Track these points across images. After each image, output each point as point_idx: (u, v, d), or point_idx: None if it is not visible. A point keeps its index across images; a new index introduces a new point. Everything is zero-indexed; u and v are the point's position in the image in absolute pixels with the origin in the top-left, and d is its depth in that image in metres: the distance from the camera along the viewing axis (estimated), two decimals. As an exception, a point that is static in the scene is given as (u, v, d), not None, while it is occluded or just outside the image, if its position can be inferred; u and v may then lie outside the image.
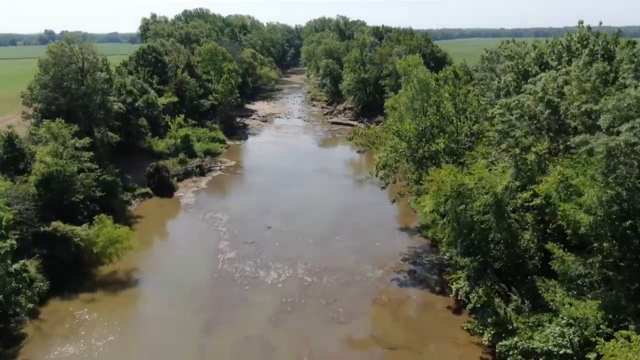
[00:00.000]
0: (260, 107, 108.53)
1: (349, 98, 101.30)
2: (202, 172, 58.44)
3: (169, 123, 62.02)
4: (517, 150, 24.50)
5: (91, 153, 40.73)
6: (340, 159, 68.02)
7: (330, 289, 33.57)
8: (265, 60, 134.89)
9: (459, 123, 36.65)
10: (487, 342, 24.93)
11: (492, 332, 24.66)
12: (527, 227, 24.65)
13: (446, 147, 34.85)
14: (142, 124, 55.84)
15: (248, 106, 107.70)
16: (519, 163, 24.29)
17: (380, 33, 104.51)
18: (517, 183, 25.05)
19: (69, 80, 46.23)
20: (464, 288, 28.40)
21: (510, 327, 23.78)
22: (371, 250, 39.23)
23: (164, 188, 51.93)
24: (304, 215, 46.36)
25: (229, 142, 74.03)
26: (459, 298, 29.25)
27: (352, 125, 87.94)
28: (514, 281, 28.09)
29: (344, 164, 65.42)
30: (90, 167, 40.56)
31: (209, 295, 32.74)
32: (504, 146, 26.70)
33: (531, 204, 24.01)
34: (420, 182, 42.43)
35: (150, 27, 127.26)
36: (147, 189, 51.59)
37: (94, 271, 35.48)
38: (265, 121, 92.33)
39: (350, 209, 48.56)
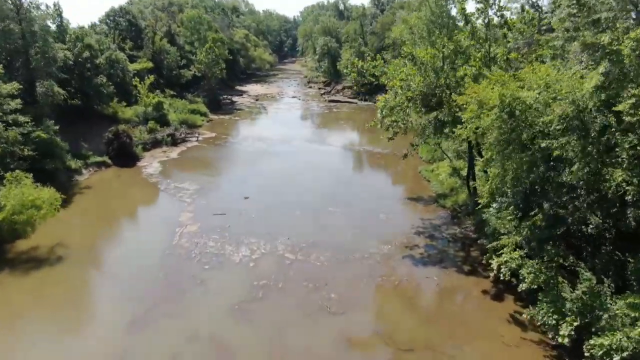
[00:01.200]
0: (252, 88, 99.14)
1: (348, 77, 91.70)
2: (174, 141, 49.18)
3: (138, 87, 52.68)
4: (606, 38, 15.11)
5: (18, 101, 31.62)
6: (338, 130, 58.74)
7: (320, 269, 24.31)
8: (259, 43, 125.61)
9: (492, 45, 27.24)
10: (564, 340, 15.59)
11: (574, 324, 15.34)
12: (622, 159, 15.32)
13: (479, 72, 25.45)
14: (102, 82, 46.53)
15: (239, 88, 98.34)
16: (610, 56, 14.94)
17: (382, 4, 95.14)
18: (604, 94, 15.70)
19: (1, 19, 37.07)
20: (513, 262, 19.06)
21: (605, 316, 14.52)
22: (375, 224, 29.98)
23: (124, 156, 42.68)
24: (292, 185, 37.12)
25: (213, 117, 64.81)
26: (502, 278, 19.90)
27: (352, 103, 78.95)
28: (582, 250, 18.86)
29: (341, 134, 56.16)
30: (15, 120, 31.44)
31: (152, 279, 23.47)
32: (575, 46, 17.29)
33: (633, 118, 14.70)
34: (438, 136, 33.44)
35: None
36: (104, 158, 42.34)
37: (7, 246, 26.23)
38: (257, 100, 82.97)
39: (349, 179, 39.31)
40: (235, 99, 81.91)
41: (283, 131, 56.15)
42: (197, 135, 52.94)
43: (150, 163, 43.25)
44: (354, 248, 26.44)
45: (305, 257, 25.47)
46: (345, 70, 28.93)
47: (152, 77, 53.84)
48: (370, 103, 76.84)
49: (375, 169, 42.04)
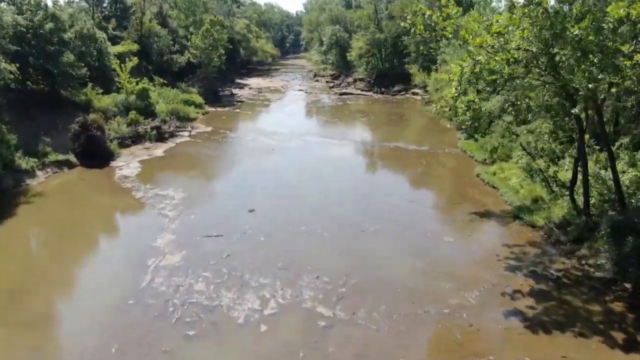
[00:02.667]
0: (254, 82, 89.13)
1: (360, 68, 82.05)
2: (161, 136, 39.33)
3: (118, 70, 42.82)
4: None
5: None
6: (357, 123, 49.02)
7: (379, 339, 14.54)
8: (261, 34, 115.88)
9: None
10: None
11: None
12: None
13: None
14: (70, 61, 36.67)
15: (240, 81, 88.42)
16: None
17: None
18: None
19: None
20: None
21: None
22: (439, 252, 20.23)
23: (94, 154, 32.81)
24: (310, 193, 27.37)
25: (210, 109, 54.99)
26: None
27: (367, 95, 69.15)
28: None
29: (362, 129, 46.45)
30: None
31: (96, 356, 13.67)
32: None
33: None
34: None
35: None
36: (69, 156, 32.53)
37: None
38: (260, 92, 73.09)
39: (384, 185, 29.62)
40: (235, 91, 72.05)
41: (292, 125, 46.41)
42: (189, 129, 43.07)
43: (128, 162, 33.38)
44: (421, 295, 16.70)
45: (349, 314, 15.69)
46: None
47: (134, 60, 43.91)
48: (387, 96, 67.32)
49: (416, 171, 32.29)
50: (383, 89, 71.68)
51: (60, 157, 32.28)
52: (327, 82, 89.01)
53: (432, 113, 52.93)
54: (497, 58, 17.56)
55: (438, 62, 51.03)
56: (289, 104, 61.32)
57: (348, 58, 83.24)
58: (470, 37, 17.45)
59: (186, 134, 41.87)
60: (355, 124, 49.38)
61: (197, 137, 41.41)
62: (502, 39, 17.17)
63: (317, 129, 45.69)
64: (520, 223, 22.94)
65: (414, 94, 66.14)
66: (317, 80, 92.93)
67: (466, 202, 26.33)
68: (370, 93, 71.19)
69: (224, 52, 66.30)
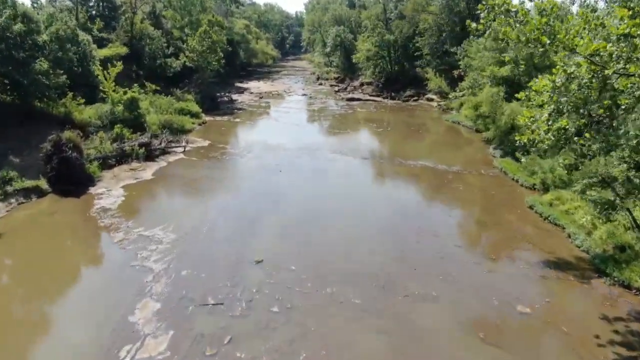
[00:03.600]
0: (254, 85, 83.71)
1: (367, 71, 76.56)
2: (150, 154, 33.83)
3: (101, 77, 37.35)
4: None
5: None
6: (373, 135, 43.52)
7: None
8: (261, 35, 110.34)
9: None
10: None
11: None
12: None
13: None
14: (43, 69, 31.18)
15: (240, 85, 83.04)
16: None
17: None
18: None
19: None
20: None
21: None
22: (512, 329, 14.81)
23: (70, 179, 27.34)
24: (327, 232, 21.97)
25: (207, 118, 49.55)
26: None
27: (377, 101, 63.72)
28: None
29: (380, 142, 40.99)
30: None
31: None
32: None
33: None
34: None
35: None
36: (39, 181, 27.04)
37: None
38: (261, 97, 67.66)
39: (416, 218, 24.12)
40: (235, 96, 66.57)
41: (299, 137, 41.00)
42: (184, 143, 37.56)
43: (110, 189, 27.88)
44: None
45: None
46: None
47: (119, 65, 38.29)
48: (398, 102, 61.96)
49: (454, 199, 26.88)
50: (393, 94, 66.32)
51: (28, 183, 26.78)
52: (331, 85, 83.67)
53: (449, 121, 48.11)
54: (613, 68, 12.12)
55: (461, 65, 45.65)
56: (293, 111, 55.82)
57: (354, 60, 77.85)
58: (581, 42, 11.96)
59: (180, 149, 36.37)
60: (371, 135, 43.90)
61: (192, 153, 35.93)
62: (628, 44, 11.71)
63: (328, 142, 40.23)
64: (608, 281, 17.54)
65: (428, 100, 60.79)
66: (320, 84, 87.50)
67: (526, 244, 20.93)
68: (379, 98, 65.78)
69: (222, 55, 60.99)
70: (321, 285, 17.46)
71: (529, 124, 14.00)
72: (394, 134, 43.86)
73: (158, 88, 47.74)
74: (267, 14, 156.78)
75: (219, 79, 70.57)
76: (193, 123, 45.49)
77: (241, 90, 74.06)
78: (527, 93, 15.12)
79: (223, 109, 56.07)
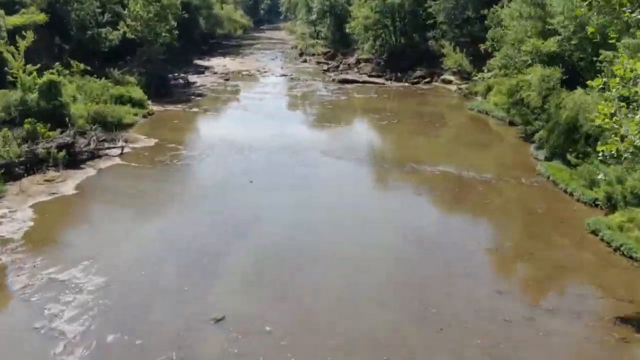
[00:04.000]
0: (219, 63, 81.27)
1: (364, 44, 74.39)
2: (74, 159, 31.24)
3: (5, 53, 34.69)
4: None
5: None
6: (374, 131, 41.49)
7: None
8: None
9: None
10: None
11: None
12: None
13: None
14: None
15: (200, 62, 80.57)
16: None
17: None
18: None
19: None
20: None
21: None
22: None
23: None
24: (321, 274, 19.80)
25: (155, 107, 47.02)
26: None
27: (378, 84, 61.71)
28: None
29: (385, 140, 38.98)
30: None
31: None
32: None
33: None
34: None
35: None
36: None
37: None
38: (227, 79, 65.23)
39: (439, 249, 22.00)
40: (193, 78, 64.01)
41: (277, 133, 38.74)
42: (121, 143, 34.98)
43: (13, 209, 25.25)
44: None
45: None
46: None
47: (30, 36, 35.50)
48: (405, 84, 60.09)
49: (488, 221, 24.89)
50: (399, 74, 64.25)
51: None
52: (318, 63, 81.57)
53: (474, 110, 46.18)
54: None
55: (489, 36, 43.68)
56: (269, 97, 53.54)
57: (347, 30, 75.73)
58: None
59: (116, 152, 33.83)
60: (372, 130, 41.94)
61: (132, 157, 33.45)
62: None
63: (315, 139, 38.06)
64: None
65: (445, 81, 58.96)
66: (305, 61, 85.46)
67: (594, 288, 18.94)
68: (380, 80, 63.74)
69: (175, 23, 58.53)
70: (308, 358, 15.24)
71: (615, 126, 11.89)
72: (402, 128, 41.82)
73: (88, 68, 45.05)
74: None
75: (172, 55, 67.71)
76: (135, 115, 42.94)
77: (201, 70, 71.63)
78: (604, 79, 13.08)
79: (177, 95, 53.60)
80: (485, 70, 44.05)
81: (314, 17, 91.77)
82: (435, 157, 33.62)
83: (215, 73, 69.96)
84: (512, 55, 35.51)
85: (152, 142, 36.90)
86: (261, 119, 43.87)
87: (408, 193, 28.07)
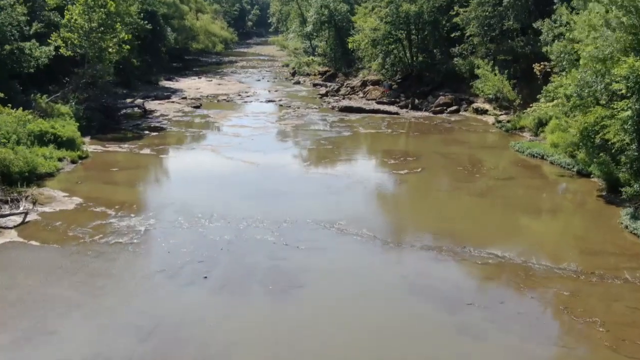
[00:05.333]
0: (191, 85, 74.50)
1: (372, 62, 67.62)
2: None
3: None
4: None
5: None
6: (396, 191, 33.70)
7: None
8: (205, 6, 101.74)
9: None
10: None
11: None
12: None
13: None
14: None
15: (167, 84, 73.96)
16: None
17: None
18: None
19: None
20: None
21: None
22: None
23: None
24: None
25: (92, 147, 39.59)
26: None
27: (392, 113, 54.50)
28: None
29: (409, 205, 31.10)
30: None
31: None
32: None
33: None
34: None
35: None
36: None
37: None
38: (198, 107, 57.97)
39: None
40: (153, 105, 56.71)
41: (255, 192, 31.03)
42: (25, 206, 27.25)
43: None
44: None
45: None
46: None
47: None
48: (426, 113, 52.93)
49: None
50: (417, 101, 57.20)
51: None
52: (315, 85, 75.38)
53: (524, 152, 38.70)
54: None
55: (549, 53, 36.40)
56: (250, 133, 45.93)
57: (350, 46, 68.90)
58: None
59: (16, 220, 26.00)
60: (388, 185, 34.30)
61: (37, 229, 25.53)
62: None
63: (309, 201, 30.25)
64: None
65: (478, 111, 51.77)
66: (298, 83, 79.20)
67: None
68: (394, 108, 56.56)
69: (131, 36, 51.70)
70: None
71: None
72: (430, 182, 34.16)
73: (1, 95, 37.43)
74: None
75: (128, 76, 61.52)
76: (60, 160, 35.30)
77: (168, 94, 64.66)
78: None
79: (127, 128, 46.33)
80: (542, 99, 36.58)
81: (309, 28, 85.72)
82: (484, 232, 25.89)
83: (184, 98, 63.09)
84: (590, 81, 27.96)
85: (73, 203, 29.04)
86: (234, 167, 36.06)
87: (455, 303, 19.95)
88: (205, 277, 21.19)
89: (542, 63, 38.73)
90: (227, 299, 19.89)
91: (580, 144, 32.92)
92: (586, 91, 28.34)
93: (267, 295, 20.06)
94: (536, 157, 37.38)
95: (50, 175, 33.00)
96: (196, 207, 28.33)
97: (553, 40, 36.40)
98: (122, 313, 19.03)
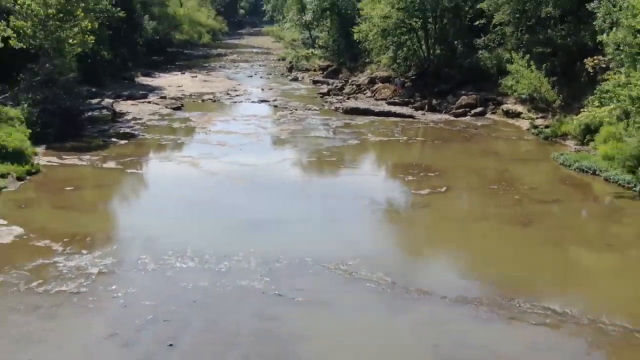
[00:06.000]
0: (173, 81, 71.03)
1: (381, 56, 64.18)
2: None
3: None
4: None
5: None
6: (417, 217, 29.87)
7: None
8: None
9: None
10: None
11: None
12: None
13: None
14: None
15: (145, 80, 70.59)
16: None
17: None
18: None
19: None
20: None
21: None
22: None
23: None
24: None
25: (47, 160, 35.99)
26: None
27: (405, 116, 50.95)
28: None
29: (436, 237, 27.25)
30: None
31: None
32: None
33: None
34: None
35: None
36: None
37: None
38: (179, 108, 54.40)
39: None
40: (124, 106, 53.19)
41: (238, 221, 27.17)
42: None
43: None
44: None
45: None
46: None
47: None
48: (445, 116, 49.45)
49: None
50: (435, 101, 53.60)
51: None
52: (315, 82, 71.97)
53: (570, 167, 35.01)
54: None
55: (604, 42, 32.85)
56: (240, 142, 42.16)
57: (355, 37, 65.30)
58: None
59: None
60: (406, 210, 30.47)
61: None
62: None
63: (305, 232, 26.53)
64: None
65: (508, 114, 48.06)
66: (295, 79, 75.97)
67: None
68: (408, 110, 52.96)
69: (97, 24, 48.13)
70: None
71: None
72: (459, 206, 30.50)
73: None
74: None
75: (96, 72, 57.81)
76: (2, 176, 31.56)
77: (144, 93, 60.99)
78: None
79: (90, 135, 42.51)
80: (596, 102, 32.80)
81: (308, 17, 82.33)
82: (535, 278, 22.07)
83: (163, 98, 59.62)
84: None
85: (10, 234, 25.20)
86: (216, 186, 32.32)
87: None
88: (171, 345, 17.39)
89: (595, 57, 35.05)
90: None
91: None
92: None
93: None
94: (586, 172, 33.54)
95: (-20, 196, 29.35)
96: (165, 240, 24.57)
97: (610, 28, 32.65)
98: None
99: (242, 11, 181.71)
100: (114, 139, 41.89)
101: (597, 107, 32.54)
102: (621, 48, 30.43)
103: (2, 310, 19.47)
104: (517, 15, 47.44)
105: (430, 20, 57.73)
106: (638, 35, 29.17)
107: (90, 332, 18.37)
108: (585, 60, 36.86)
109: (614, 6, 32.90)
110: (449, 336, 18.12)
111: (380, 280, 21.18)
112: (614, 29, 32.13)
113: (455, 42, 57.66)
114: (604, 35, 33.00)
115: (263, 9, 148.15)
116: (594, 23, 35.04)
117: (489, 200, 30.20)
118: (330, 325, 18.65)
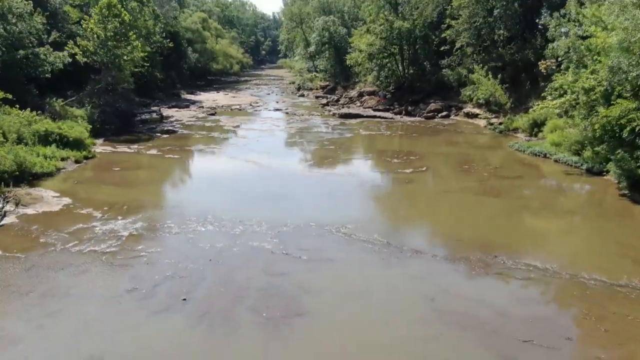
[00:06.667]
0: (209, 97, 66.27)
1: (368, 75, 59.62)
2: None
3: None
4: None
5: None
6: (407, 191, 25.51)
7: None
8: (223, 33, 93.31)
9: None
10: None
11: None
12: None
13: None
14: None
15: (189, 96, 65.80)
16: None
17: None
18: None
19: None
20: None
21: None
22: None
23: None
24: None
25: (103, 149, 31.76)
26: None
27: (385, 118, 46.58)
28: None
29: (416, 205, 22.91)
30: None
31: None
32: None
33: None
34: None
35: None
36: None
37: None
38: (213, 114, 49.88)
39: None
40: (170, 112, 48.76)
41: (257, 194, 22.96)
42: (4, 207, 19.36)
43: None
44: None
45: None
46: None
47: None
48: (419, 118, 44.90)
49: None
50: (410, 108, 49.05)
51: None
52: (317, 97, 66.83)
53: (525, 152, 30.68)
54: None
55: (553, 50, 28.41)
56: (258, 135, 37.91)
57: (348, 63, 60.73)
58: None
59: (-14, 225, 18.07)
60: (396, 184, 26.14)
61: (9, 233, 17.61)
62: None
63: (310, 200, 22.38)
64: None
65: (469, 115, 43.58)
66: (302, 95, 70.77)
67: None
68: (388, 114, 48.48)
69: (148, 48, 43.73)
70: None
71: None
72: (439, 181, 26.13)
73: (9, 96, 29.34)
74: (236, 11, 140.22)
75: (151, 86, 53.35)
76: (63, 159, 27.34)
77: (187, 104, 56.38)
78: None
79: (140, 131, 38.21)
80: (549, 94, 28.34)
81: (311, 49, 77.47)
82: (512, 238, 17.89)
83: (201, 107, 54.79)
84: (624, 68, 19.77)
85: (60, 204, 21.02)
86: (236, 168, 28.11)
87: (507, 340, 11.93)
88: (184, 300, 13.23)
89: (546, 60, 30.68)
90: (207, 336, 11.88)
91: (586, 142, 25.24)
92: (616, 79, 20.22)
93: (259, 328, 12.05)
94: (538, 155, 29.30)
95: (49, 174, 25.07)
96: (190, 208, 20.39)
97: (560, 37, 28.22)
98: (65, 356, 11.05)
99: (263, 52, 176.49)
100: (158, 134, 37.59)
101: (550, 101, 28.14)
102: (570, 52, 25.98)
103: (38, 267, 15.29)
104: (474, 39, 42.83)
105: (405, 46, 53.07)
106: (583, 41, 24.83)
107: (113, 287, 14.20)
108: (539, 62, 32.40)
109: (563, 17, 28.45)
110: (443, 289, 13.91)
111: (376, 241, 16.98)
112: (563, 37, 27.71)
113: (425, 62, 53.02)
114: (554, 43, 28.56)
115: (279, 48, 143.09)
116: (547, 34, 30.62)
117: (463, 177, 25.94)
118: (330, 280, 14.47)
